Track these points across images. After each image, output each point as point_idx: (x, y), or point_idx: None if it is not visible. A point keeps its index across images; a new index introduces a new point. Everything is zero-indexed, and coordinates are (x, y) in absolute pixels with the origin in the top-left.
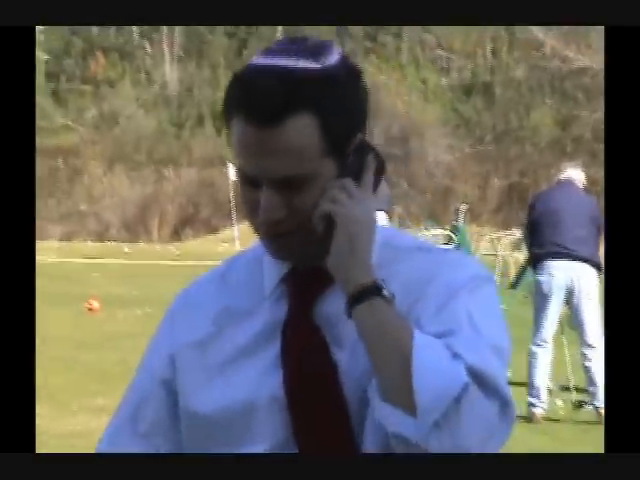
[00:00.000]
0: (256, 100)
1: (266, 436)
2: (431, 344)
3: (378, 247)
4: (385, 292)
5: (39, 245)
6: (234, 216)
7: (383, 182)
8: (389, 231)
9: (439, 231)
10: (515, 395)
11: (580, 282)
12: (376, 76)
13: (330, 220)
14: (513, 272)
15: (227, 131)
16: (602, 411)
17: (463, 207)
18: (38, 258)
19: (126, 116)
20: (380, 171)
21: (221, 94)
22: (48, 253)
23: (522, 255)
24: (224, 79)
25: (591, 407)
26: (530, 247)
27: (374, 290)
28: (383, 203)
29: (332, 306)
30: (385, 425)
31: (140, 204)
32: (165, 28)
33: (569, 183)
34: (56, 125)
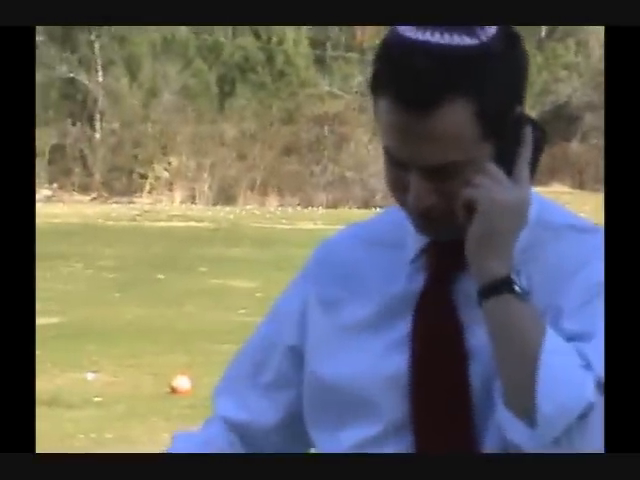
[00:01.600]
0: (409, 83)
1: (382, 415)
2: (562, 350)
3: (530, 226)
4: (518, 288)
5: (305, 212)
6: None
7: None
8: (543, 205)
9: None
10: None
11: None
12: None
13: (473, 207)
14: None
15: (374, 106)
16: None
17: None
18: (302, 225)
19: None
20: (540, 146)
21: None
22: (311, 220)
23: None
24: None
25: None
26: None
27: (506, 285)
28: None
29: (474, 285)
30: (502, 429)
31: None
32: None
33: None
34: (322, 92)
